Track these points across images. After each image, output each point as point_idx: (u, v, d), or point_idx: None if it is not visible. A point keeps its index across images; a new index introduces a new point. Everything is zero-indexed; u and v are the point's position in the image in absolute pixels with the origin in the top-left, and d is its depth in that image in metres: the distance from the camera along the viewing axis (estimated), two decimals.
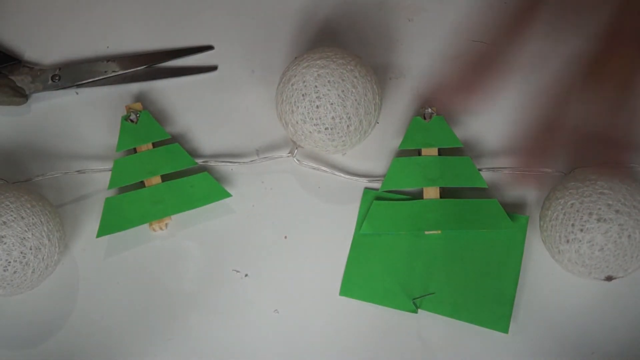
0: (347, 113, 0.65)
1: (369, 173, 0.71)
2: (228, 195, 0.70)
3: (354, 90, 0.65)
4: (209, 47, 0.74)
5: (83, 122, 0.72)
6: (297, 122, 0.66)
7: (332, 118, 0.65)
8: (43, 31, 0.74)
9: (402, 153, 0.71)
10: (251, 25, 0.75)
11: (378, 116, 0.68)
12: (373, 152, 0.72)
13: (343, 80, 0.65)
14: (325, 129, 0.65)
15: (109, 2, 0.75)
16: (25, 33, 0.74)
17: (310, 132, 0.66)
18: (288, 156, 0.70)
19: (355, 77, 0.65)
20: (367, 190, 0.71)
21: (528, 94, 0.72)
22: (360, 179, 0.71)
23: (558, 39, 0.74)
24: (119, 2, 0.75)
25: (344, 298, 0.69)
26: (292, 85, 0.66)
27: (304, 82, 0.65)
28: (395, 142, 0.71)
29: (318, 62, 0.66)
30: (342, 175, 0.71)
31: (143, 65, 0.73)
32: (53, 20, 0.75)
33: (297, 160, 0.70)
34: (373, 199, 0.70)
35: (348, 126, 0.65)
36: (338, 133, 0.66)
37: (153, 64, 0.73)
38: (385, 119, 0.72)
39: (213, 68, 0.74)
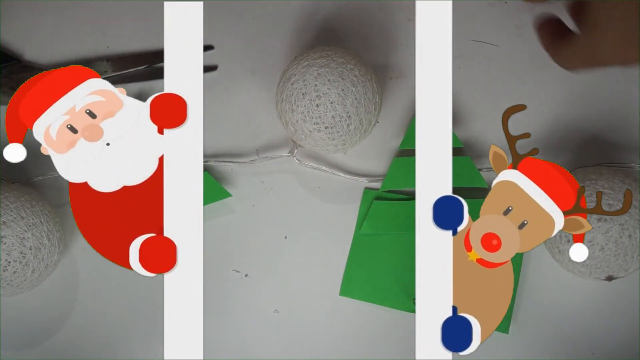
0: (347, 112, 0.65)
1: (369, 173, 0.71)
2: (228, 195, 0.70)
3: (353, 89, 0.65)
4: (209, 47, 0.74)
5: None
6: (297, 121, 0.66)
7: (332, 117, 0.65)
8: (43, 31, 0.75)
9: (402, 153, 0.71)
10: (251, 25, 0.75)
11: (378, 115, 0.68)
12: (373, 152, 0.72)
13: (343, 79, 0.65)
14: (325, 127, 0.65)
15: (109, 2, 0.75)
16: (25, 33, 0.74)
17: (310, 131, 0.66)
18: (288, 156, 0.70)
19: (355, 76, 0.65)
20: (367, 190, 0.71)
21: (528, 94, 0.72)
22: (360, 179, 0.71)
23: None
24: (119, 2, 0.75)
25: (344, 298, 0.69)
26: (292, 84, 0.66)
27: (303, 81, 0.65)
28: (395, 142, 0.71)
29: (318, 61, 0.66)
30: (342, 175, 0.71)
31: (143, 65, 0.73)
32: (53, 20, 0.75)
33: (297, 160, 0.70)
34: (373, 199, 0.70)
35: (348, 125, 0.65)
36: (338, 132, 0.65)
37: (153, 64, 0.73)
38: (385, 118, 0.72)
39: (213, 68, 0.74)
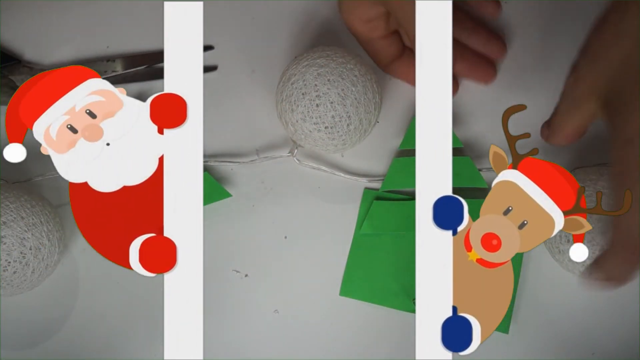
0: (347, 112, 0.65)
1: (369, 173, 0.71)
2: (228, 195, 0.70)
3: (353, 89, 0.65)
4: (209, 47, 0.74)
5: None
6: (297, 121, 0.66)
7: (332, 117, 0.65)
8: (43, 31, 0.75)
9: (402, 153, 0.71)
10: (251, 25, 0.75)
11: (378, 115, 0.68)
12: (373, 152, 0.71)
13: (343, 79, 0.65)
14: (325, 127, 0.65)
15: (109, 2, 0.75)
16: (25, 33, 0.74)
17: (310, 131, 0.66)
18: (288, 156, 0.70)
19: (355, 76, 0.65)
20: (367, 190, 0.71)
21: (528, 93, 0.72)
22: (360, 179, 0.71)
23: (559, 39, 0.74)
24: (119, 2, 0.75)
25: (344, 298, 0.69)
26: (292, 84, 0.66)
27: (303, 80, 0.65)
28: (395, 142, 0.71)
29: (318, 60, 0.66)
30: (342, 175, 0.71)
31: (143, 65, 0.73)
32: (53, 20, 0.75)
33: (297, 160, 0.70)
34: (373, 199, 0.70)
35: (348, 125, 0.65)
36: (338, 132, 0.65)
37: (153, 64, 0.73)
38: (385, 118, 0.72)
39: (213, 68, 0.74)
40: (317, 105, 0.65)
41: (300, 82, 0.65)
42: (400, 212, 0.69)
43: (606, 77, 0.58)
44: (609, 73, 0.58)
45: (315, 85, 0.65)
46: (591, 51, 0.59)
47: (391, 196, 0.70)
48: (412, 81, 0.71)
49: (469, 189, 0.68)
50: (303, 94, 0.65)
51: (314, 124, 0.65)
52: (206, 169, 0.70)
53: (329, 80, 0.65)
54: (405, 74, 0.71)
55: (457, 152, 0.70)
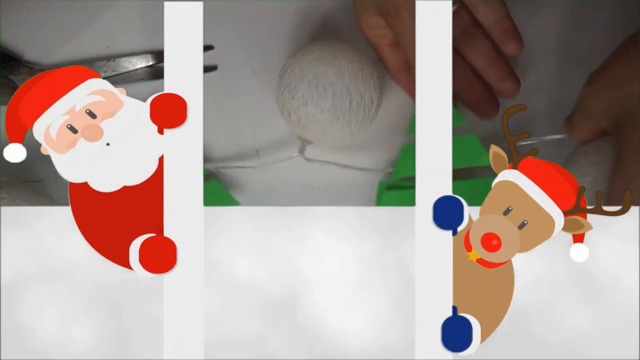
0: (347, 87, 0.65)
1: (378, 167, 0.72)
2: (237, 203, 0.70)
3: (350, 66, 0.66)
4: (209, 47, 0.74)
5: None
6: (298, 107, 0.66)
7: (332, 95, 0.65)
8: (43, 31, 0.75)
9: (410, 139, 0.71)
10: (251, 25, 0.75)
11: (379, 97, 0.68)
12: (374, 149, 0.72)
13: (338, 57, 0.66)
14: (328, 108, 0.66)
15: (109, 2, 0.75)
16: (25, 33, 0.74)
17: (312, 113, 0.66)
18: (297, 156, 0.70)
19: (349, 55, 0.66)
20: (382, 182, 0.71)
21: (528, 93, 0.72)
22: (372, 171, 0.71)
23: (560, 37, 0.74)
24: (119, 2, 0.75)
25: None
26: (289, 73, 0.67)
27: (300, 66, 0.66)
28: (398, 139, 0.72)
29: (312, 47, 0.68)
30: (356, 167, 0.71)
31: (143, 65, 0.73)
32: (53, 20, 0.75)
33: (306, 159, 0.70)
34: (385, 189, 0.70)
35: (350, 102, 0.66)
36: (341, 109, 0.66)
37: (153, 64, 0.73)
38: (384, 118, 0.72)
39: (213, 68, 0.74)
40: (316, 86, 0.65)
41: (297, 69, 0.66)
42: (412, 199, 0.69)
43: (623, 100, 0.58)
44: (627, 96, 0.58)
45: (312, 67, 0.66)
46: (613, 69, 0.60)
47: (404, 185, 0.70)
48: (412, 95, 0.71)
49: (470, 169, 0.68)
50: (301, 78, 0.66)
51: (316, 105, 0.66)
52: (216, 177, 0.70)
53: (324, 61, 0.66)
54: (406, 84, 0.71)
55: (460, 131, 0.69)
